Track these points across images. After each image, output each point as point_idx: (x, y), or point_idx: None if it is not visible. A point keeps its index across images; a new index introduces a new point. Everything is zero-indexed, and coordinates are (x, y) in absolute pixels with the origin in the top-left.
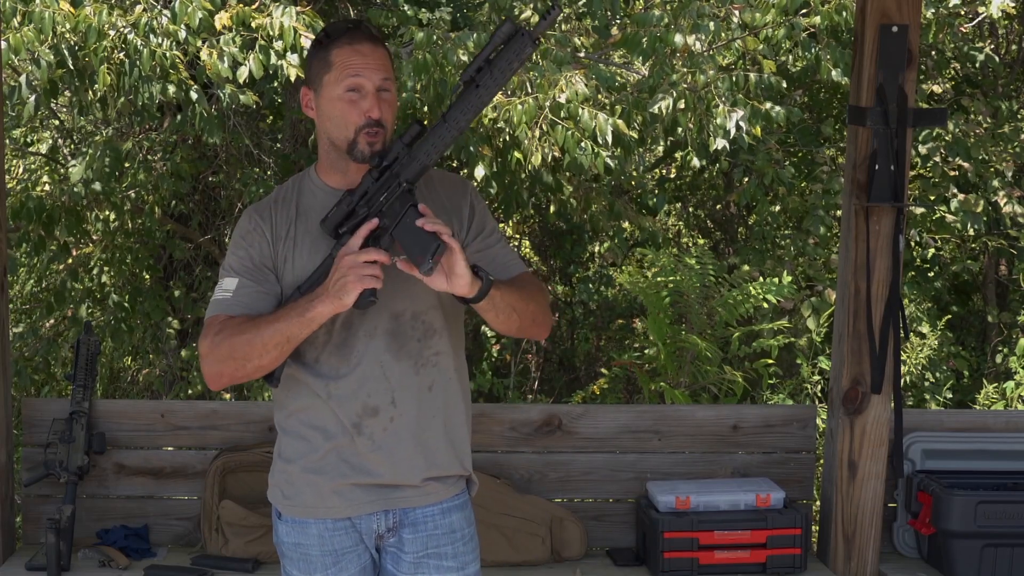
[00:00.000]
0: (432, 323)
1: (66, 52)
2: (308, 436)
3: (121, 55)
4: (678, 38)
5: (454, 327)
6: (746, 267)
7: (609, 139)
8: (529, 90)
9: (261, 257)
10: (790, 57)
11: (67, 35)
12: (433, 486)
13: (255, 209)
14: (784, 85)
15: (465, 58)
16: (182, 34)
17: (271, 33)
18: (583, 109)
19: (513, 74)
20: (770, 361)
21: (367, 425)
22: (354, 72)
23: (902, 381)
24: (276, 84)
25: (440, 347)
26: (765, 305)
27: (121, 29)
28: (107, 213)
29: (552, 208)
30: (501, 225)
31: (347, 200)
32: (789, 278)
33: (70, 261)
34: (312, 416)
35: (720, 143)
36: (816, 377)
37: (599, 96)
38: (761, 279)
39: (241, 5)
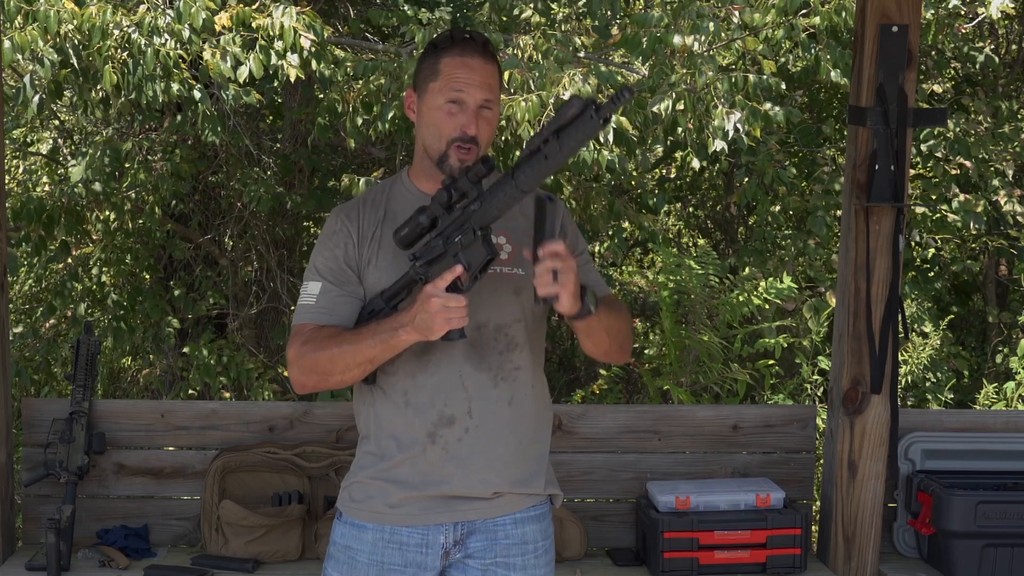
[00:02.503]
0: (515, 337)
1: (70, 51)
2: (383, 444)
3: (124, 55)
4: (677, 39)
5: (536, 344)
6: (747, 270)
7: (611, 137)
8: (532, 89)
9: (346, 259)
10: (790, 57)
11: (71, 34)
12: (506, 498)
13: (343, 209)
14: (783, 86)
15: None
16: (186, 34)
17: (271, 33)
18: None
19: (580, 148)
20: (771, 362)
21: (442, 435)
22: (458, 86)
23: (903, 381)
24: (276, 84)
25: (521, 362)
26: (767, 306)
27: (125, 29)
28: (107, 213)
29: None
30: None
31: (416, 220)
32: (789, 278)
33: (70, 261)
34: (387, 424)
35: (719, 144)
36: (817, 377)
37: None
38: (764, 281)
39: (241, 5)
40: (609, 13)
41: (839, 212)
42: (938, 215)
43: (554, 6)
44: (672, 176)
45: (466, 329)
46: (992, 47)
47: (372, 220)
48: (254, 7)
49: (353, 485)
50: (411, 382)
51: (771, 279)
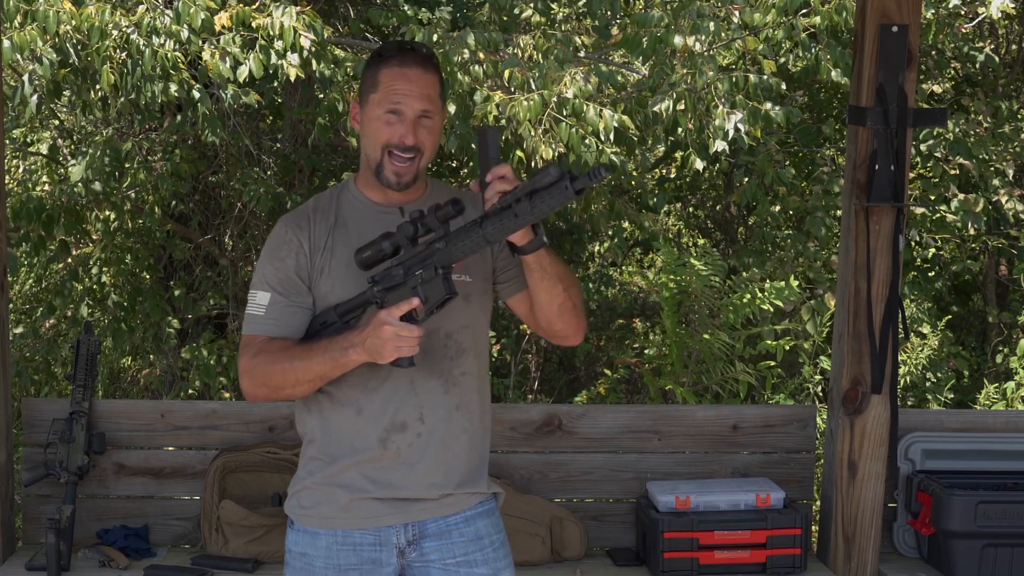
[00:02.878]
0: (463, 343)
1: (70, 50)
2: (331, 450)
3: (123, 55)
4: (677, 39)
5: (481, 348)
6: (748, 272)
7: (612, 136)
8: (532, 88)
9: (297, 269)
10: (790, 57)
11: (70, 34)
12: (452, 497)
13: (291, 219)
14: (783, 86)
15: (465, 58)
16: (184, 34)
17: (271, 33)
18: (588, 106)
19: (550, 213)
20: (772, 363)
21: (394, 440)
22: (396, 97)
23: (903, 381)
24: (276, 84)
25: (467, 367)
26: (769, 308)
27: (124, 29)
28: (107, 213)
29: None
30: None
31: (379, 246)
32: (796, 282)
33: (70, 261)
34: (336, 429)
35: (720, 145)
36: (818, 377)
37: (600, 95)
38: (768, 283)
39: (241, 5)
40: (609, 13)
41: (839, 212)
42: (938, 215)
43: (554, 6)
44: (672, 176)
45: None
46: (992, 47)
47: (323, 228)
48: (254, 7)
49: (301, 492)
50: (362, 388)
51: (775, 282)
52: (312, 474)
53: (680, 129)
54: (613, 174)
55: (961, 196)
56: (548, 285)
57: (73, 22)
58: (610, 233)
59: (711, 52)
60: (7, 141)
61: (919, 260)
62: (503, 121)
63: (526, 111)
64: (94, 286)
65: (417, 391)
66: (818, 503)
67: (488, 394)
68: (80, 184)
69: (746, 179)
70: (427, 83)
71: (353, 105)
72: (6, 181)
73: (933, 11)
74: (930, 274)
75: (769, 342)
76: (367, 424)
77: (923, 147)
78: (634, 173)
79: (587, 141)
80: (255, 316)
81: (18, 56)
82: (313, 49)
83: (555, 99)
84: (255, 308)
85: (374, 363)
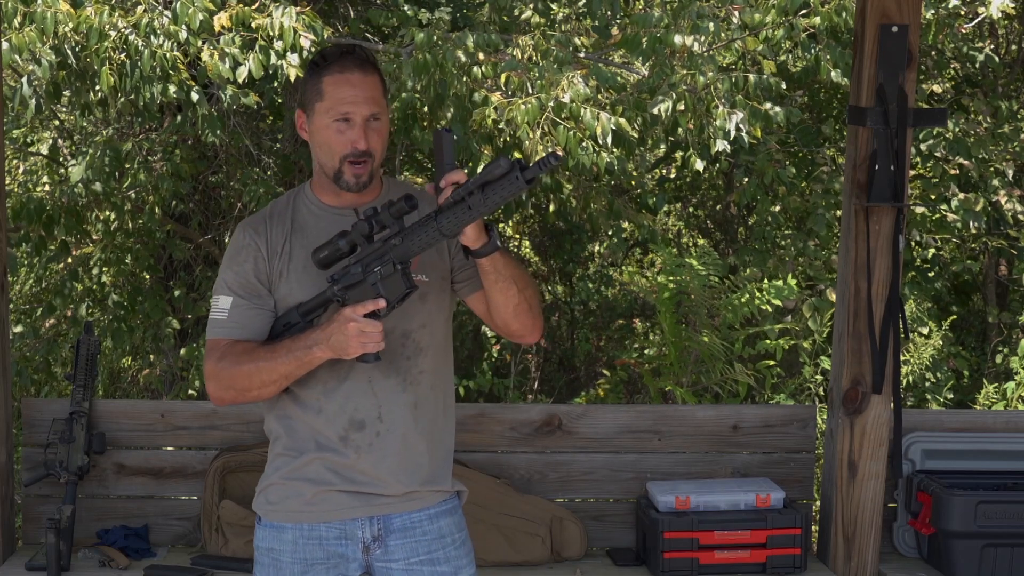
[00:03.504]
0: (420, 342)
1: (68, 52)
2: (296, 446)
3: (122, 56)
4: (677, 39)
5: (442, 347)
6: (748, 271)
7: (610, 139)
8: (530, 91)
9: (256, 272)
10: (790, 57)
11: (69, 35)
12: (417, 494)
13: (249, 223)
14: (783, 87)
15: (465, 58)
16: (183, 35)
17: (271, 33)
18: (585, 109)
19: (503, 203)
20: (772, 363)
21: (353, 438)
22: (343, 106)
23: (904, 382)
24: (276, 84)
25: (425, 366)
26: (768, 308)
27: (122, 30)
28: (107, 213)
29: (552, 208)
30: (501, 225)
31: (336, 244)
32: (794, 280)
33: (70, 261)
34: (301, 427)
35: (721, 145)
36: (819, 377)
37: (599, 96)
38: (766, 282)
39: (241, 5)
40: (609, 13)
41: (839, 212)
42: (938, 215)
43: (554, 6)
44: (672, 176)
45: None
46: (992, 47)
47: (280, 233)
48: (254, 7)
49: (268, 488)
50: (322, 388)
51: (773, 281)
52: (278, 469)
53: (680, 129)
54: (614, 175)
55: (961, 196)
56: (503, 287)
57: (71, 23)
58: (610, 233)
59: (711, 52)
60: (7, 142)
61: (919, 260)
62: (501, 124)
63: (523, 114)
64: (94, 286)
65: (375, 390)
66: (818, 503)
67: (451, 392)
68: (80, 184)
69: (746, 179)
70: (370, 85)
71: (298, 114)
72: (6, 181)
73: (933, 11)
74: (930, 274)
75: (768, 341)
76: (327, 423)
77: (923, 147)
78: (634, 173)
79: (584, 144)
80: (218, 320)
81: (16, 57)
82: (313, 49)
83: (552, 103)
84: (218, 312)
85: (334, 363)
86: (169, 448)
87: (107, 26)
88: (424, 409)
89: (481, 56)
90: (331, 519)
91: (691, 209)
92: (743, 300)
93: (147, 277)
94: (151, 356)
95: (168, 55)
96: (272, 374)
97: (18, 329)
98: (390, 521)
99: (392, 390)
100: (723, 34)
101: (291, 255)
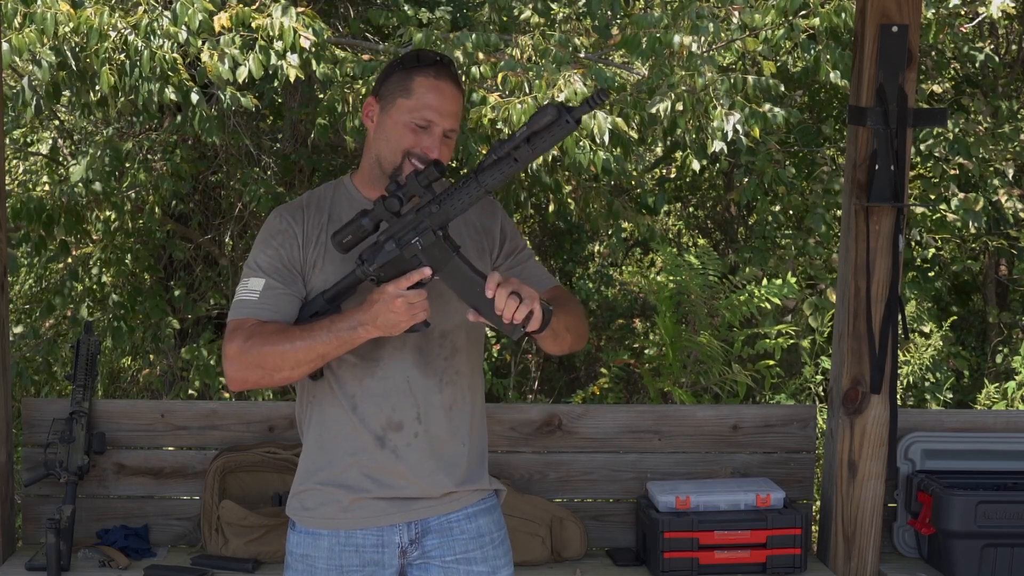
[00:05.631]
0: (456, 342)
1: (68, 53)
2: (331, 449)
3: (122, 56)
4: (677, 39)
5: (474, 348)
6: (748, 269)
7: (607, 138)
8: (528, 90)
9: (291, 259)
10: (790, 58)
11: (69, 36)
12: (455, 494)
13: (286, 209)
14: (782, 88)
15: (464, 58)
16: (183, 35)
17: (271, 33)
18: None
19: (549, 149)
20: (772, 363)
21: (391, 439)
22: (429, 112)
23: (904, 382)
24: (276, 84)
25: (460, 366)
26: (768, 307)
27: (122, 31)
28: (107, 213)
29: (551, 208)
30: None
31: (359, 224)
32: (793, 279)
33: (70, 261)
34: (336, 428)
35: (718, 145)
36: (819, 377)
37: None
38: (765, 281)
39: (241, 5)
40: (609, 13)
41: (839, 212)
42: (938, 215)
43: (554, 6)
44: (672, 176)
45: (413, 334)
46: (992, 47)
47: (316, 223)
48: (254, 7)
49: (304, 493)
50: (358, 386)
51: (773, 280)
52: (314, 474)
53: (679, 130)
54: (612, 175)
55: (961, 195)
56: (559, 340)
57: (71, 24)
58: (610, 233)
59: (710, 53)
60: (7, 142)
61: (919, 260)
62: (499, 123)
63: (520, 113)
64: (94, 286)
65: (413, 391)
66: (818, 503)
67: (482, 393)
68: (80, 184)
69: (746, 179)
70: (456, 100)
71: (371, 102)
72: (6, 181)
73: (933, 11)
74: (930, 274)
75: (768, 341)
76: (362, 422)
77: (923, 147)
78: (633, 173)
79: (581, 143)
80: (247, 301)
81: (16, 58)
82: (313, 49)
83: (547, 102)
84: (247, 294)
85: (372, 360)
86: (169, 448)
87: (107, 27)
88: (460, 409)
89: (480, 56)
90: (368, 526)
91: (691, 209)
92: (742, 300)
93: (147, 277)
94: (151, 356)
95: (168, 56)
96: (309, 353)
97: (18, 329)
98: (428, 523)
99: (430, 390)
100: (723, 35)
101: (327, 246)
